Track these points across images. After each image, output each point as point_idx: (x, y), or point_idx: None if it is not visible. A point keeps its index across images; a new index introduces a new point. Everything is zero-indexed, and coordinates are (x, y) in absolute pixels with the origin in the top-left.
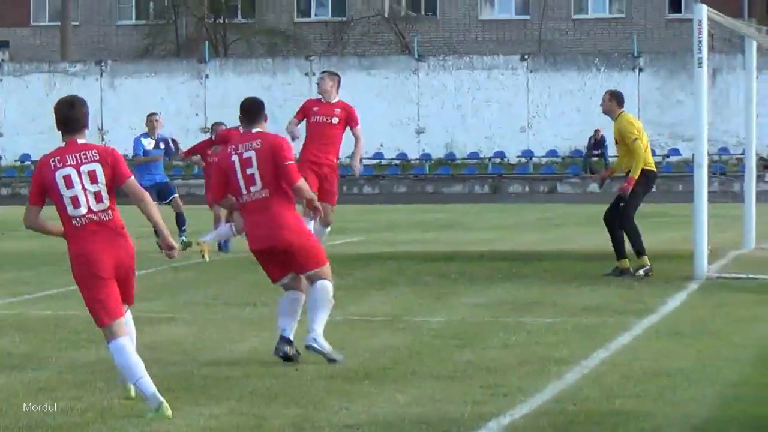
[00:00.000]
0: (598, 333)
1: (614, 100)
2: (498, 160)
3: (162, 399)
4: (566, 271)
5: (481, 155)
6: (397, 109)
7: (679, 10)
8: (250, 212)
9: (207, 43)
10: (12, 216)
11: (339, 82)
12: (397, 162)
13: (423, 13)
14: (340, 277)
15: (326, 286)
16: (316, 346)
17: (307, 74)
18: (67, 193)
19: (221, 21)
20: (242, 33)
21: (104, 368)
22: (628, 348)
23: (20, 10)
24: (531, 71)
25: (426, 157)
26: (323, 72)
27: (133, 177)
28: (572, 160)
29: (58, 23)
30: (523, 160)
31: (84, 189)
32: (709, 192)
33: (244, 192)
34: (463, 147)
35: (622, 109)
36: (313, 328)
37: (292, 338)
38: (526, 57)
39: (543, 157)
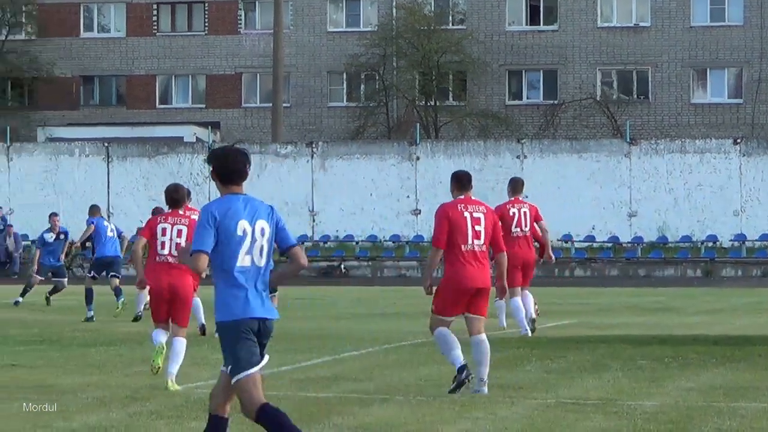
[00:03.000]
0: None
1: None
2: (710, 243)
3: None
4: None
5: (694, 239)
6: (609, 192)
7: None
8: (467, 259)
9: (418, 125)
10: None
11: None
12: (609, 245)
13: (635, 96)
14: (551, 360)
15: (486, 340)
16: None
17: (518, 157)
18: None
19: (432, 103)
20: (453, 115)
21: None
22: None
23: (232, 91)
24: (744, 155)
25: (638, 240)
26: None
27: None
28: None
29: (269, 105)
30: (736, 244)
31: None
32: None
33: (469, 242)
34: (676, 230)
35: None
36: (485, 380)
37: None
38: (739, 141)
39: (756, 240)
